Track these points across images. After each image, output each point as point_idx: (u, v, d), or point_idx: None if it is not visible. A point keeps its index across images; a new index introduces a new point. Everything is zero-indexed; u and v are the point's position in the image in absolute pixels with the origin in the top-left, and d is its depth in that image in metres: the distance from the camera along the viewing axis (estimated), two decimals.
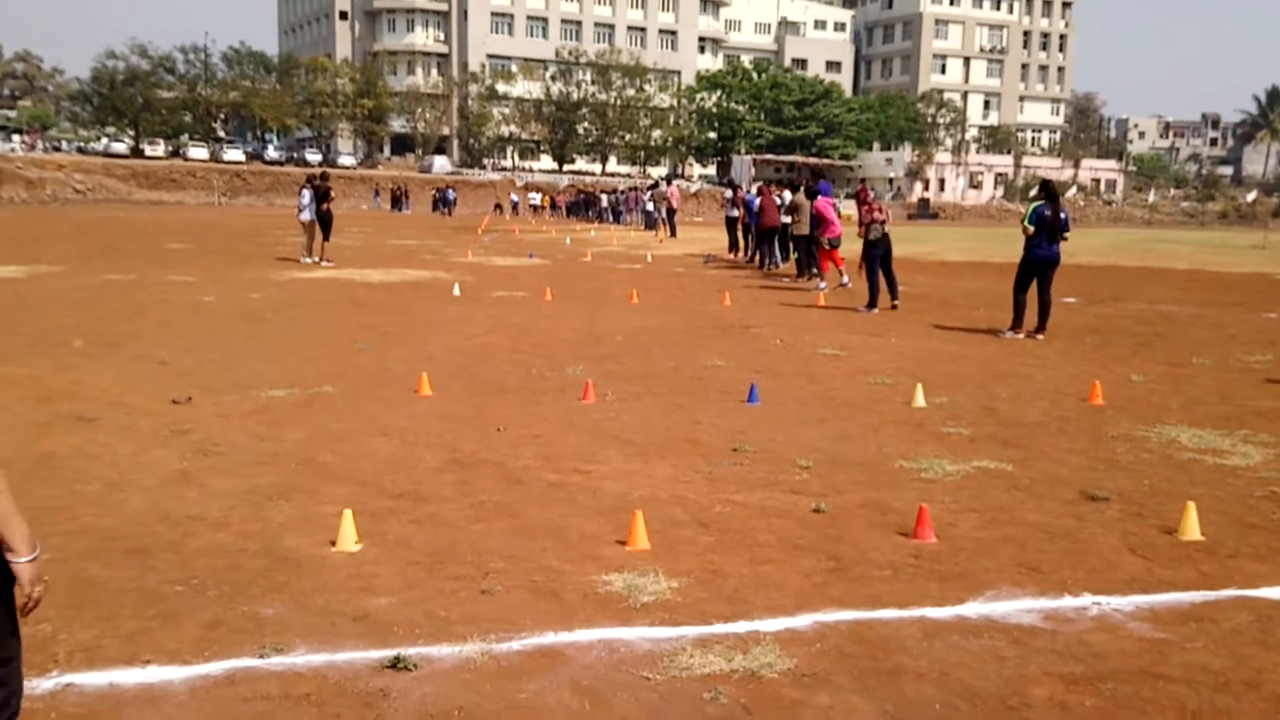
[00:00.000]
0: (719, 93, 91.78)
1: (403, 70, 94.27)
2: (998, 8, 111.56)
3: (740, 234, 27.83)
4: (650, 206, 47.11)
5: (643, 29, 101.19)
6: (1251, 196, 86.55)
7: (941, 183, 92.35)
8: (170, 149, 79.25)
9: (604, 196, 60.18)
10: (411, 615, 4.48)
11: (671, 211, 38.93)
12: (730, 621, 4.46)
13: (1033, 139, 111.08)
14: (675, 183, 46.83)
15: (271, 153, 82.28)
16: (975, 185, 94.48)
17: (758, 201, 23.78)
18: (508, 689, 3.85)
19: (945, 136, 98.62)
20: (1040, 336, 13.36)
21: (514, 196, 70.06)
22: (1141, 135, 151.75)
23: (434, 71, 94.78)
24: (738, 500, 6.20)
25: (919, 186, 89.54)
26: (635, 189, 56.60)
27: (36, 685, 3.76)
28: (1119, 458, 7.37)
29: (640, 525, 5.40)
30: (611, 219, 54.98)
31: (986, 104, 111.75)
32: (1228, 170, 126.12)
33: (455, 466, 6.87)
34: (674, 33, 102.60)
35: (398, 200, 66.87)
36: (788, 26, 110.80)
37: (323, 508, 5.90)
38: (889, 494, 6.38)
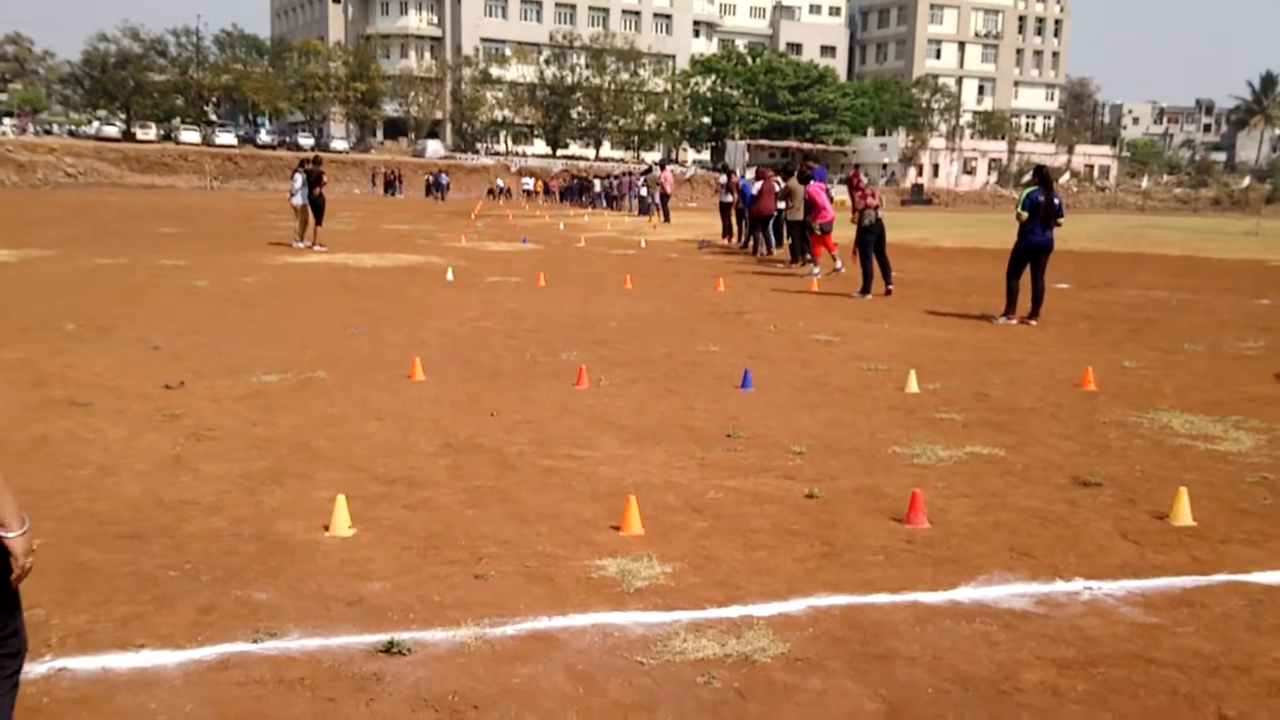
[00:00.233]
0: (713, 77, 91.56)
1: (396, 53, 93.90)
2: None
3: (734, 220, 27.79)
4: (644, 192, 47.02)
5: (637, 12, 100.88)
6: (1245, 183, 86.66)
7: (935, 168, 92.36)
8: (162, 132, 78.92)
9: (597, 182, 60.06)
10: (405, 600, 4.49)
11: (665, 197, 38.85)
12: (723, 606, 4.47)
13: (1027, 124, 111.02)
14: (669, 168, 46.64)
15: (264, 136, 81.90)
16: (969, 171, 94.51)
17: (755, 187, 23.64)
18: (502, 673, 3.85)
19: (940, 122, 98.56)
20: (1033, 322, 13.37)
21: (500, 181, 69.46)
22: (1135, 121, 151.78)
23: (427, 55, 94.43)
24: (731, 485, 6.21)
25: (913, 172, 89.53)
26: (630, 174, 56.49)
27: (30, 670, 3.75)
28: (1111, 443, 7.39)
29: (634, 510, 5.41)
30: (605, 204, 54.90)
31: (981, 89, 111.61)
32: (1221, 156, 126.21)
33: (449, 451, 6.87)
34: (668, 16, 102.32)
35: (391, 184, 66.68)
36: (782, 11, 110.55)
37: (316, 493, 5.90)
38: (882, 479, 6.39)
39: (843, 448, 7.15)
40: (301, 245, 22.75)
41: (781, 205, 22.25)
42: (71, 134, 78.64)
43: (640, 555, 5.01)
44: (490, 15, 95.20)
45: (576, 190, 62.55)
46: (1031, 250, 13.46)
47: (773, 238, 23.94)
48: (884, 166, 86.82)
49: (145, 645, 4.02)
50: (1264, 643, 4.21)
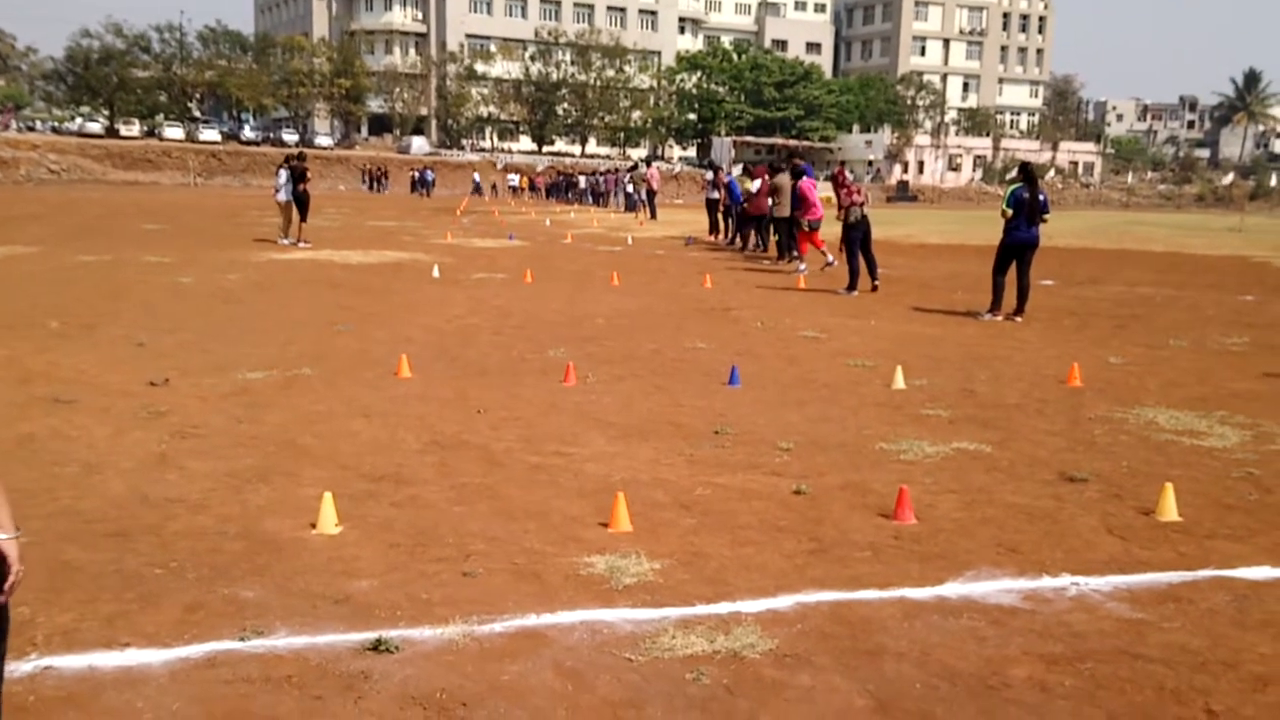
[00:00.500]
0: (699, 74, 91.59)
1: (380, 50, 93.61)
2: None
3: (720, 216, 27.80)
4: (630, 188, 46.99)
5: (622, 9, 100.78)
6: (1228, 179, 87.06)
7: (920, 165, 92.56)
8: (145, 129, 78.47)
9: (582, 178, 59.94)
10: (393, 597, 4.47)
11: (651, 193, 38.83)
12: (712, 603, 4.47)
13: (1011, 121, 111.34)
14: (655, 164, 46.68)
15: (248, 133, 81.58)
16: (954, 168, 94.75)
17: (754, 185, 23.34)
18: (490, 670, 3.84)
19: (924, 119, 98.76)
20: (1019, 319, 13.41)
21: (476, 176, 68.38)
22: (1120, 118, 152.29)
23: (412, 51, 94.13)
24: (719, 482, 6.21)
25: (898, 169, 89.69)
26: (616, 170, 56.44)
27: (15, 668, 3.73)
28: (1097, 439, 7.42)
29: (622, 507, 5.40)
30: (591, 200, 54.85)
31: (965, 86, 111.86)
32: (1205, 153, 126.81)
33: (436, 449, 6.85)
34: (654, 13, 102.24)
35: (378, 180, 66.42)
36: (768, 7, 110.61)
37: (303, 490, 5.87)
38: (869, 475, 6.40)
39: (830, 444, 7.16)
40: (286, 242, 22.67)
41: (768, 202, 22.22)
42: (55, 130, 78.17)
43: (628, 552, 5.01)
44: (475, 11, 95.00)
45: (562, 187, 62.48)
46: (1017, 247, 13.50)
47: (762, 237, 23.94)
48: (869, 163, 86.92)
49: (131, 644, 4.00)
50: (1250, 638, 4.23)
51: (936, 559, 5.03)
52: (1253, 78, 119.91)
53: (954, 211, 56.49)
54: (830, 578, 4.78)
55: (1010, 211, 13.38)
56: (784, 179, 20.85)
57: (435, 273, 17.64)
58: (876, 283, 16.34)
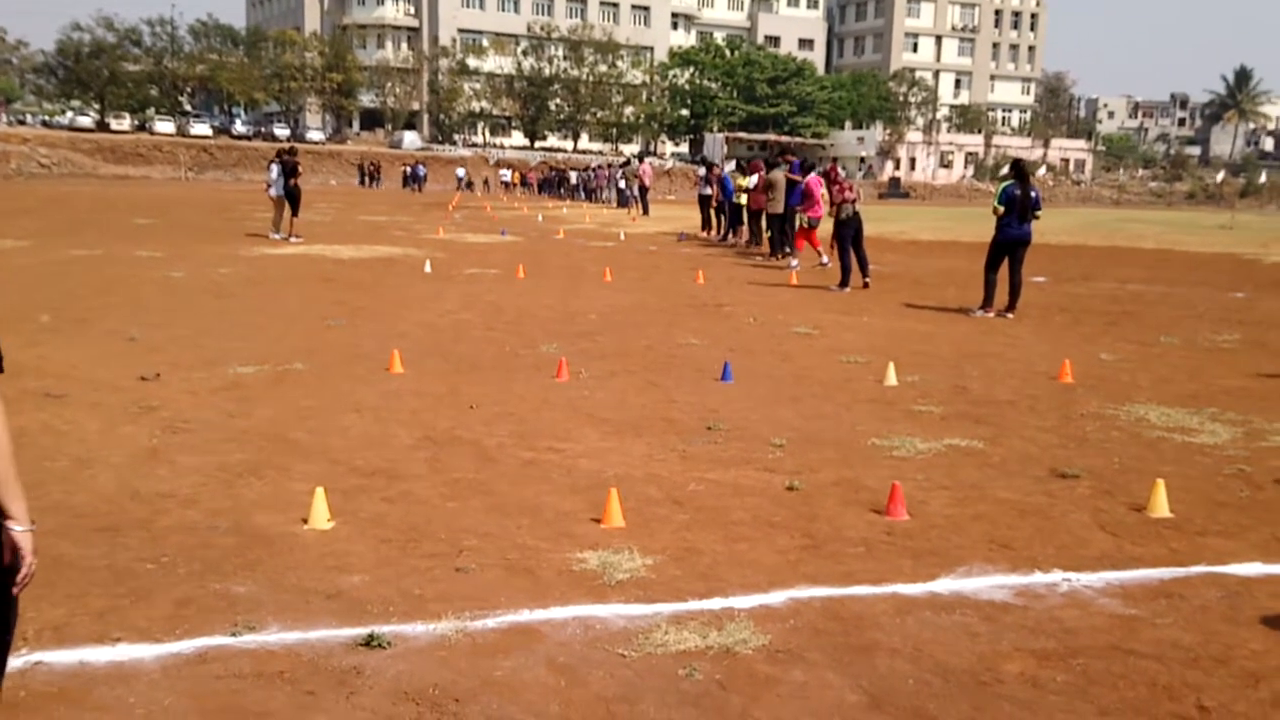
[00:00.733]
0: (691, 70, 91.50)
1: (372, 44, 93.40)
2: None
3: (713, 212, 27.79)
4: (623, 184, 46.95)
5: (615, 4, 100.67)
6: (1219, 177, 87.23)
7: (913, 162, 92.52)
8: (136, 123, 78.25)
9: (573, 173, 59.78)
10: (385, 593, 4.47)
11: (644, 189, 38.82)
12: (705, 598, 4.47)
13: (1003, 118, 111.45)
14: (648, 160, 46.67)
15: (239, 127, 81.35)
16: (946, 164, 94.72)
17: (753, 180, 23.04)
18: (483, 666, 3.84)
19: (916, 115, 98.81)
20: (1011, 315, 13.44)
21: (460, 172, 67.78)
22: (1111, 115, 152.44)
23: (404, 45, 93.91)
24: (712, 478, 6.21)
25: (890, 166, 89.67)
26: (609, 166, 56.37)
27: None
28: (1089, 436, 7.43)
29: (615, 503, 5.40)
30: (583, 196, 54.78)
31: (957, 83, 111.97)
32: (1195, 151, 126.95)
33: (428, 444, 6.84)
34: (647, 8, 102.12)
35: (372, 176, 66.22)
36: (760, 4, 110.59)
37: (294, 485, 5.86)
38: (862, 472, 6.41)
39: (823, 440, 7.16)
40: (278, 236, 22.61)
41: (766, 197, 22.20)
42: (45, 124, 77.95)
43: (621, 548, 5.01)
44: (467, 6, 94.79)
45: (554, 182, 62.35)
46: (1009, 244, 13.52)
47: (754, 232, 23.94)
48: (861, 160, 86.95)
49: (122, 639, 3.99)
50: (1241, 634, 4.24)
51: (929, 555, 5.03)
52: (1244, 75, 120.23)
53: (946, 208, 56.53)
54: (823, 573, 4.78)
55: (1002, 208, 13.40)
56: (778, 174, 20.86)
57: (427, 268, 17.60)
58: (868, 280, 16.36)
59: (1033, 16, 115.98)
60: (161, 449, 6.55)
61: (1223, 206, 60.09)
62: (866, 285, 16.20)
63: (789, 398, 8.49)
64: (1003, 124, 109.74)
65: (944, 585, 4.68)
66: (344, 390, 8.37)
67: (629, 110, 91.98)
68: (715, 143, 78.36)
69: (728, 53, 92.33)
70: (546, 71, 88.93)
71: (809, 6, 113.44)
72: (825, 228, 17.76)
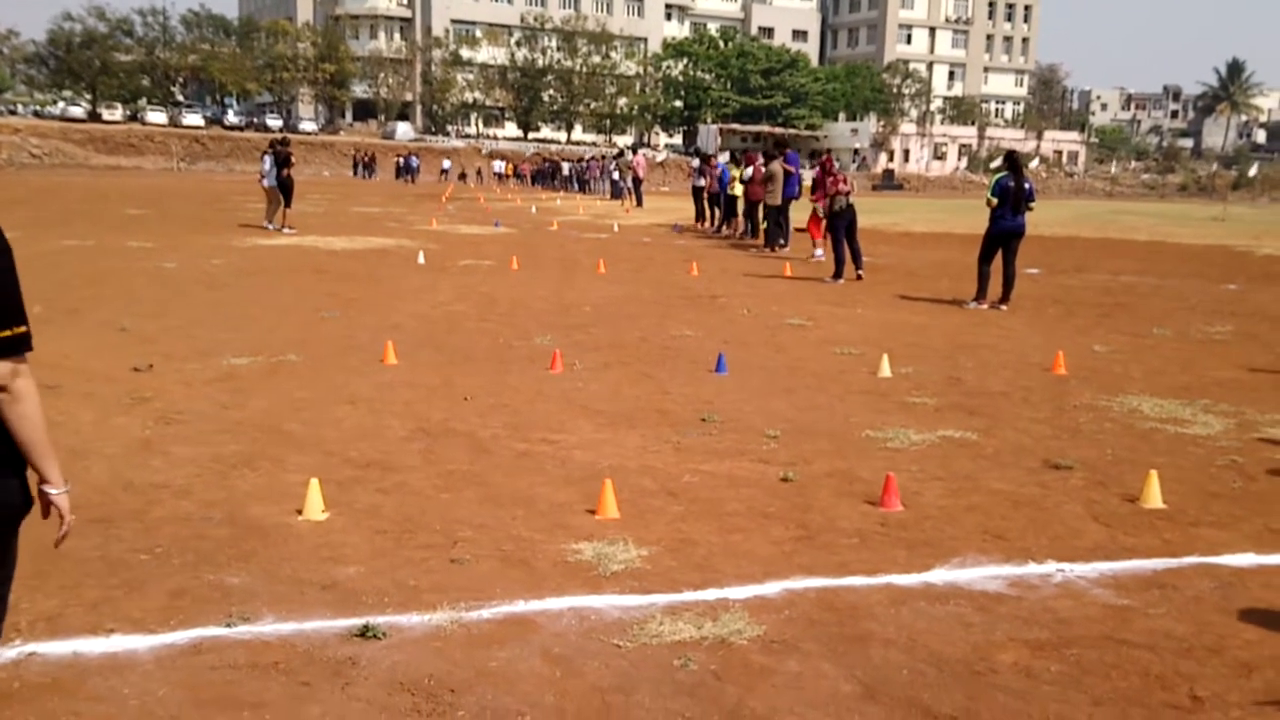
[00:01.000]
0: (685, 61, 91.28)
1: (365, 34, 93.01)
2: None
3: (707, 204, 27.77)
4: (616, 176, 46.89)
5: None
6: (1212, 169, 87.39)
7: (906, 154, 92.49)
8: (128, 113, 77.84)
9: (565, 165, 59.65)
10: (380, 584, 4.46)
11: (638, 181, 38.78)
12: (699, 589, 4.48)
13: (997, 110, 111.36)
14: (641, 152, 46.63)
15: (231, 118, 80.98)
16: (939, 156, 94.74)
17: (747, 172, 23.09)
18: (478, 657, 3.84)
19: (910, 107, 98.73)
20: (1004, 307, 13.45)
21: (445, 163, 66.91)
22: (1104, 107, 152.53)
23: (397, 36, 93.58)
24: (706, 469, 6.22)
25: (884, 157, 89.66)
26: (603, 157, 56.29)
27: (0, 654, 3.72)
28: (1082, 427, 7.45)
29: (610, 494, 5.40)
30: (576, 187, 54.70)
31: (951, 75, 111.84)
32: (1188, 143, 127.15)
33: (423, 435, 6.84)
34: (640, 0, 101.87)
35: (367, 166, 66.02)
36: None
37: (288, 476, 5.85)
38: (856, 463, 6.42)
39: (817, 431, 7.17)
40: (271, 227, 22.55)
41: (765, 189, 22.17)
42: (36, 114, 77.49)
43: (616, 539, 5.01)
44: None
45: (548, 174, 62.24)
46: (1003, 235, 13.53)
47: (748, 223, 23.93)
48: (855, 151, 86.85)
49: (116, 630, 3.98)
50: (1234, 624, 4.25)
51: (923, 546, 5.04)
52: (1236, 68, 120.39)
53: (939, 200, 56.59)
54: (817, 564, 4.79)
55: (995, 200, 13.41)
56: (777, 166, 20.84)
57: (421, 259, 17.58)
58: (861, 272, 16.36)
59: (1026, 9, 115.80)
60: (155, 440, 6.54)
61: (1215, 199, 60.20)
62: (860, 277, 16.21)
63: (783, 389, 8.49)
64: (996, 116, 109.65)
65: (938, 576, 4.69)
66: (338, 382, 8.36)
67: (622, 102, 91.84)
68: (709, 134, 78.30)
69: (721, 44, 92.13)
70: (540, 62, 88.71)
71: None
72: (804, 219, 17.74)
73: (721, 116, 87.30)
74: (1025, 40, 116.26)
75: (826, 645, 3.99)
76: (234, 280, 14.46)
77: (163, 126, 73.32)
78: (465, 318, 11.84)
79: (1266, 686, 3.74)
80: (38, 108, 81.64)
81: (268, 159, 22.85)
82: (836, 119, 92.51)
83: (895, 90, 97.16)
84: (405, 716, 3.45)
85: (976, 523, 5.39)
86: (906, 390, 8.52)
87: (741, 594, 4.44)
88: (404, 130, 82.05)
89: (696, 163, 30.27)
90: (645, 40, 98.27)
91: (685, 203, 34.00)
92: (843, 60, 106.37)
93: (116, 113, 76.37)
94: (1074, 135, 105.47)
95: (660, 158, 78.68)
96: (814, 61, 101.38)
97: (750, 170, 22.83)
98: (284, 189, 22.60)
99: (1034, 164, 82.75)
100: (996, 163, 13.90)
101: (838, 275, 16.09)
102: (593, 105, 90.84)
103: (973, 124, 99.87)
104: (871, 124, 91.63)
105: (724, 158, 30.79)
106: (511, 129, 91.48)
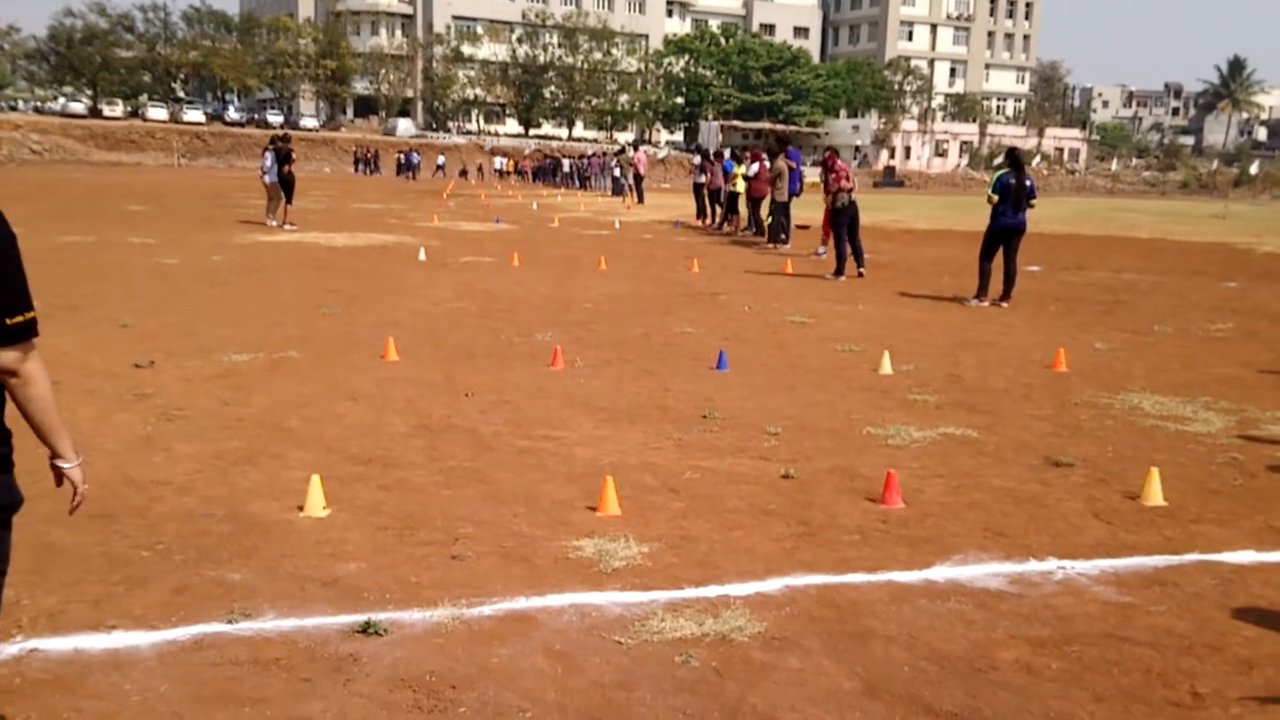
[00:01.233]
0: (686, 58, 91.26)
1: (366, 31, 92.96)
2: None
3: (707, 200, 27.76)
4: (618, 172, 46.87)
5: None
6: (1212, 166, 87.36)
7: (908, 150, 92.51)
8: (129, 109, 77.90)
9: (566, 161, 59.58)
10: (381, 580, 4.47)
11: (639, 178, 38.77)
12: (701, 586, 4.48)
13: (998, 107, 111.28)
14: (642, 148, 46.61)
15: (232, 114, 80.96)
16: (941, 153, 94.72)
17: (754, 168, 23.00)
18: (479, 653, 3.84)
19: (911, 104, 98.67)
20: (1005, 304, 13.44)
21: (440, 159, 66.77)
22: (1105, 104, 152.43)
23: (398, 32, 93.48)
24: (707, 466, 6.22)
25: (885, 154, 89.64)
26: (604, 154, 56.25)
27: (1, 650, 3.72)
28: (1083, 424, 7.45)
29: (611, 491, 5.40)
30: (577, 184, 54.67)
31: (953, 72, 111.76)
32: (1189, 140, 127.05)
33: (424, 432, 6.84)
34: None
35: (369, 163, 65.96)
36: None
37: (290, 473, 5.86)
38: (857, 460, 6.42)
39: (818, 428, 7.17)
40: (272, 224, 22.55)
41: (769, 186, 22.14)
42: (37, 110, 77.56)
43: (617, 535, 5.01)
44: None
45: (549, 170, 62.19)
46: (1004, 232, 13.52)
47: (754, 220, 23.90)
48: (856, 148, 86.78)
49: (118, 626, 3.99)
50: (1235, 621, 4.25)
51: (924, 543, 5.04)
52: (1237, 65, 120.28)
53: (941, 197, 56.55)
54: (818, 561, 4.79)
55: (997, 197, 13.40)
56: (782, 163, 20.83)
57: (422, 256, 17.58)
58: (862, 269, 16.36)
59: (1028, 5, 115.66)
60: (156, 436, 6.55)
61: (1216, 196, 60.13)
62: (861, 274, 16.21)
63: (784, 386, 8.50)
64: (997, 113, 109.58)
65: (939, 573, 4.69)
66: (339, 378, 8.36)
67: (624, 98, 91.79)
68: (710, 131, 78.24)
69: (723, 40, 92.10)
70: (541, 59, 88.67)
71: None
72: (817, 216, 17.74)
73: (723, 113, 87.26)
74: (1026, 37, 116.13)
75: (827, 642, 4.00)
76: (235, 277, 14.46)
77: (163, 123, 73.35)
78: (466, 314, 11.84)
79: (1267, 683, 3.75)
80: (38, 104, 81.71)
81: (269, 155, 22.84)
82: (838, 116, 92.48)
83: (896, 87, 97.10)
84: (406, 713, 3.45)
85: (977, 520, 5.39)
86: (908, 387, 8.52)
87: (742, 591, 4.44)
88: (405, 127, 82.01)
89: (698, 160, 30.23)
90: (646, 37, 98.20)
91: (686, 199, 33.99)
92: (844, 57, 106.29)
93: (117, 109, 76.44)
94: (1075, 132, 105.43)
95: (661, 154, 78.68)
96: (815, 58, 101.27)
97: (755, 167, 22.80)
98: (285, 185, 22.61)
99: (1035, 161, 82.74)
100: (998, 160, 13.86)
101: (839, 272, 16.09)
102: (594, 102, 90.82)
103: (974, 121, 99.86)
104: (873, 121, 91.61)
105: (726, 154, 30.64)
106: (513, 125, 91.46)
